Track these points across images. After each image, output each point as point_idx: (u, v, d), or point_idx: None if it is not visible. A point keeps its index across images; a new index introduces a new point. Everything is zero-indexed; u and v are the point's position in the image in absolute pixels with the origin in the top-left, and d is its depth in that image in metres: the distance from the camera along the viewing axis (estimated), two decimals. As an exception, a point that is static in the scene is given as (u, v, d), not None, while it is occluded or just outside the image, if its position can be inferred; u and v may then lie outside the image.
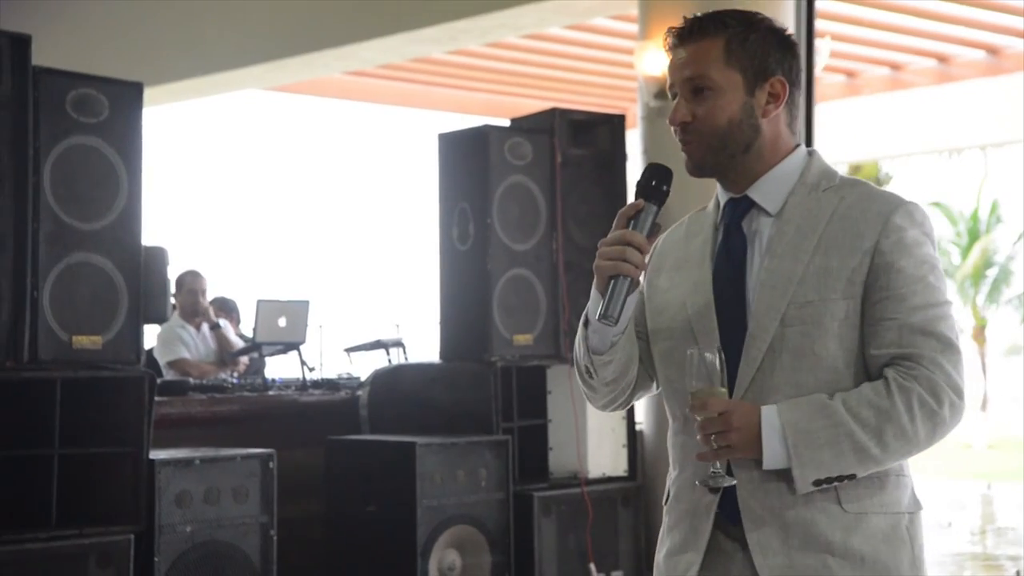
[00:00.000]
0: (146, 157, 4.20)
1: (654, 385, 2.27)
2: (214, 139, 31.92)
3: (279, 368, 7.25)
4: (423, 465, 4.78)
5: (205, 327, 7.43)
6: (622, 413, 5.44)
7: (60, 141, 4.00)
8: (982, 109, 11.52)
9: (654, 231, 2.10)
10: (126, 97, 4.17)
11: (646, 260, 2.09)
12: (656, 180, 2.10)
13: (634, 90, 6.64)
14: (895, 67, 10.96)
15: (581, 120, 5.68)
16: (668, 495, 2.23)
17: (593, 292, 2.11)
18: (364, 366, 6.46)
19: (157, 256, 4.69)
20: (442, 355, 5.48)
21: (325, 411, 5.57)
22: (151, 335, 6.97)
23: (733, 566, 2.10)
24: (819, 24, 6.59)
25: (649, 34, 6.14)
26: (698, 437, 2.05)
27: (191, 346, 7.25)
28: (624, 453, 5.53)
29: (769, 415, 2.02)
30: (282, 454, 4.44)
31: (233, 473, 4.27)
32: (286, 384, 5.93)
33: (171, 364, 7.03)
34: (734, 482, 2.06)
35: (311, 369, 6.28)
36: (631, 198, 2.14)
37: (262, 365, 7.29)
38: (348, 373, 6.38)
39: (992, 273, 24.97)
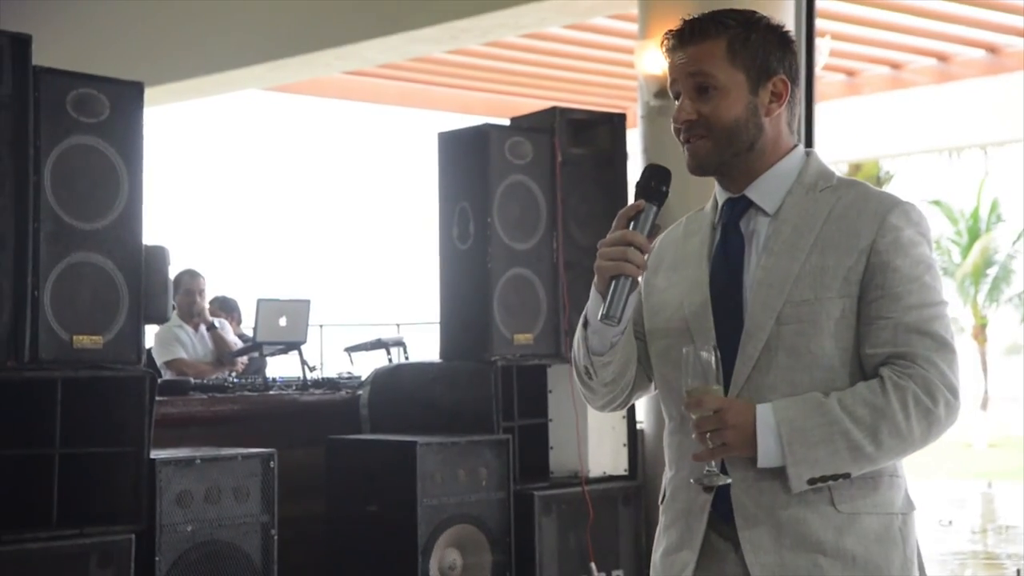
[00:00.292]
0: (147, 157, 4.20)
1: (652, 385, 2.27)
2: (215, 139, 31.95)
3: (280, 367, 7.26)
4: (424, 464, 4.78)
5: (203, 326, 7.43)
6: (623, 412, 5.44)
7: (61, 141, 4.00)
8: (982, 108, 11.52)
9: (654, 231, 2.11)
10: (127, 97, 4.17)
11: (646, 260, 2.09)
12: (655, 181, 2.11)
13: (634, 89, 6.64)
14: (895, 66, 10.96)
15: (581, 119, 5.68)
16: (664, 494, 2.24)
17: (593, 292, 2.12)
18: (365, 365, 6.46)
19: (158, 256, 4.68)
20: (442, 354, 5.48)
21: (326, 410, 5.57)
22: (149, 335, 6.97)
23: (727, 565, 2.11)
24: (819, 23, 6.58)
25: (649, 33, 6.14)
26: (693, 435, 2.05)
27: (188, 346, 7.25)
28: (625, 452, 5.53)
29: (764, 413, 2.02)
30: (283, 454, 4.44)
31: (234, 473, 4.27)
32: (287, 383, 5.93)
33: (168, 364, 7.03)
34: (729, 481, 2.06)
35: (312, 368, 6.29)
36: (631, 197, 2.15)
37: (263, 364, 7.29)
38: (349, 372, 6.38)
39: (992, 272, 24.99)
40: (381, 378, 5.66)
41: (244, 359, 7.36)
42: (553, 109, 5.59)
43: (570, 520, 5.26)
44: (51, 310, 3.93)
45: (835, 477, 2.02)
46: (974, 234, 25.27)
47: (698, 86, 2.11)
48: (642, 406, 5.81)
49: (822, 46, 7.49)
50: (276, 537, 4.33)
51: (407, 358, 6.80)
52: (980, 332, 24.92)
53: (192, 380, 5.75)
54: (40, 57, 3.98)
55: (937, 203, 25.43)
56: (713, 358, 2.04)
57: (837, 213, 2.10)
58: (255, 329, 6.39)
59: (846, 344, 2.06)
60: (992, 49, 10.38)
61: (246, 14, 9.15)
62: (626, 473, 5.52)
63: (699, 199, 2.30)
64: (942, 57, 10.64)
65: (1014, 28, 9.62)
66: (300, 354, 6.23)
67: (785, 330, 2.06)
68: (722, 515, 2.10)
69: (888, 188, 23.92)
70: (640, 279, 2.13)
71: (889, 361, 2.03)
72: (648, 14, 6.31)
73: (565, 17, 8.63)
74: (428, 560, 4.77)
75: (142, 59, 9.21)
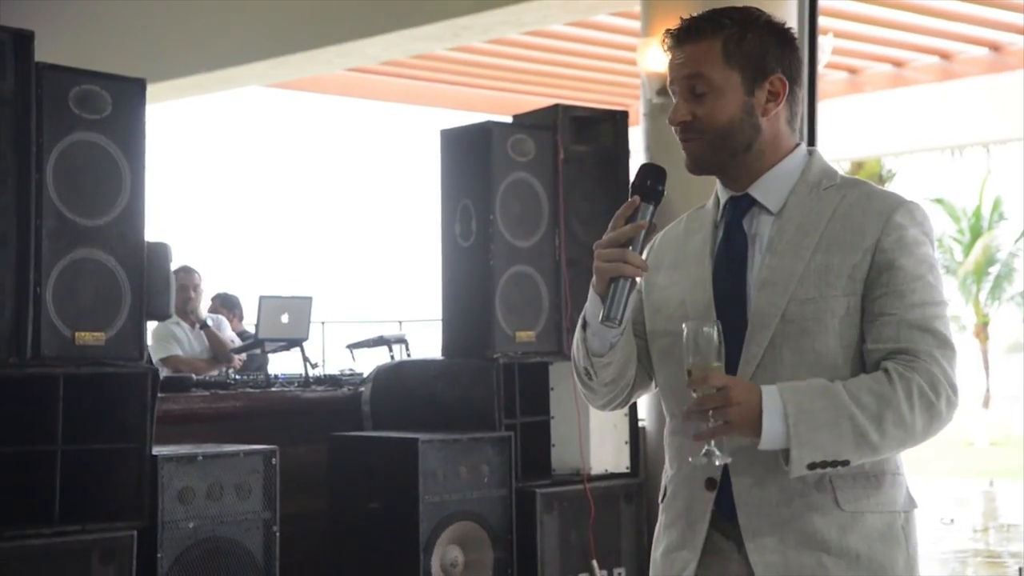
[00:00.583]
0: (149, 153, 4.20)
1: (653, 384, 2.27)
2: (217, 136, 31.94)
3: (282, 364, 7.26)
4: (426, 461, 4.78)
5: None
6: (624, 410, 5.44)
7: (63, 137, 4.00)
8: (985, 106, 11.51)
9: (650, 230, 2.10)
10: (129, 93, 4.16)
11: (646, 259, 2.09)
12: (651, 180, 2.10)
13: (637, 86, 6.64)
14: (898, 64, 10.96)
15: (584, 116, 5.68)
16: (665, 492, 2.24)
17: (591, 294, 2.11)
18: (367, 362, 6.46)
19: (160, 252, 4.68)
20: (444, 352, 5.48)
21: (328, 407, 5.57)
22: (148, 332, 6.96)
23: (730, 564, 2.11)
24: (822, 21, 6.59)
25: (652, 30, 6.14)
26: (692, 415, 2.01)
27: (185, 343, 7.24)
28: (627, 450, 5.53)
29: (770, 394, 2.00)
30: (285, 450, 4.45)
31: (236, 469, 4.27)
32: (289, 380, 5.93)
33: (164, 361, 7.02)
34: (729, 460, 2.04)
35: (314, 365, 6.29)
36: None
37: (265, 361, 7.29)
38: (351, 369, 6.39)
39: (994, 270, 24.99)
40: (383, 375, 5.67)
41: (242, 355, 7.35)
42: (556, 106, 5.59)
43: (572, 517, 5.26)
44: (53, 307, 3.93)
45: (834, 464, 2.00)
46: (976, 232, 25.26)
47: (693, 87, 2.11)
48: (644, 404, 5.81)
49: (824, 44, 7.50)
50: (278, 534, 4.33)
51: (409, 355, 6.80)
52: (982, 330, 24.91)
53: (194, 377, 5.74)
54: (42, 53, 3.98)
55: (939, 201, 25.41)
56: (716, 334, 2.00)
57: (842, 212, 2.10)
58: (257, 326, 6.39)
59: (849, 342, 2.06)
60: (995, 47, 10.38)
61: (248, 11, 9.15)
62: (628, 471, 5.52)
63: (701, 196, 2.30)
64: (944, 55, 10.64)
65: (1017, 26, 9.61)
66: (302, 351, 6.23)
67: (790, 328, 2.06)
68: (725, 514, 2.10)
69: (890, 186, 23.90)
70: (640, 279, 2.12)
71: (892, 356, 2.03)
72: (651, 11, 6.31)
73: (568, 14, 8.63)
74: (430, 557, 4.77)
75: (144, 55, 9.21)
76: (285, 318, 6.26)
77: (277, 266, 27.92)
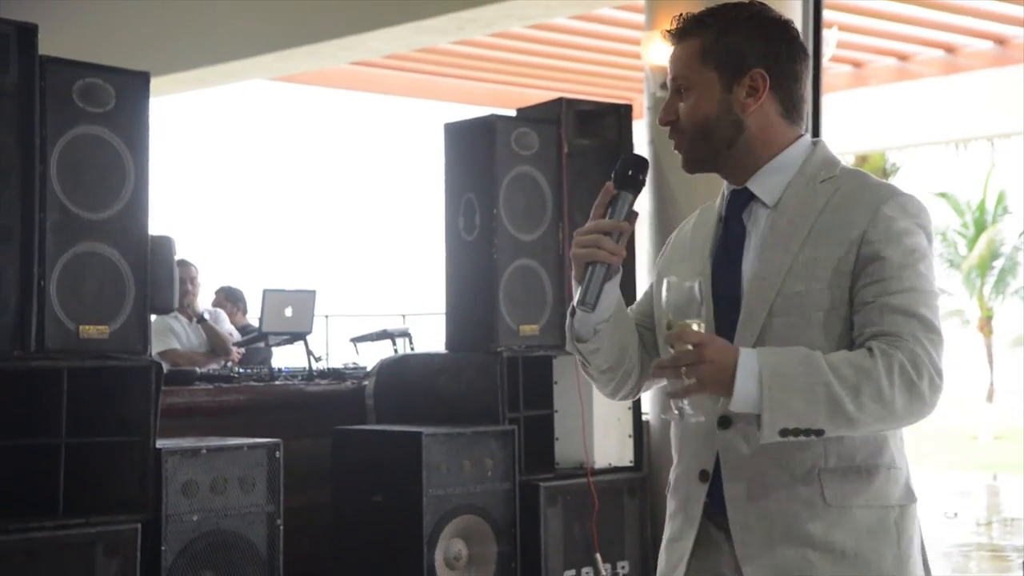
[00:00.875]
0: (153, 147, 4.20)
1: None
2: (221, 129, 31.94)
3: (285, 358, 7.26)
4: (429, 455, 4.78)
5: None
6: (628, 403, 5.44)
7: (67, 131, 4.00)
8: (989, 100, 11.49)
9: (630, 219, 2.13)
10: (133, 87, 4.16)
11: (623, 247, 2.10)
12: (632, 169, 2.14)
13: (641, 80, 6.63)
14: (902, 57, 10.94)
15: (588, 110, 5.68)
16: (670, 484, 2.25)
17: (574, 282, 2.13)
18: (370, 356, 6.46)
19: (164, 246, 4.69)
20: (448, 345, 5.48)
21: (331, 401, 5.58)
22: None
23: (722, 556, 2.12)
24: (826, 14, 6.57)
25: (656, 24, 6.13)
26: (665, 371, 2.02)
27: (183, 336, 7.23)
28: (630, 443, 5.53)
29: (747, 356, 1.98)
30: (288, 444, 4.45)
31: (240, 463, 4.28)
32: (292, 374, 5.94)
33: (161, 355, 6.99)
34: (702, 418, 2.04)
35: (317, 359, 6.29)
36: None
37: (268, 355, 7.29)
38: (354, 363, 6.39)
39: (999, 264, 24.91)
40: (387, 369, 5.67)
41: (241, 349, 7.34)
42: (559, 100, 5.59)
43: (575, 511, 5.26)
44: (57, 300, 3.94)
45: (808, 432, 1.96)
46: (980, 226, 25.19)
47: (677, 87, 2.16)
48: (648, 398, 5.80)
49: (829, 37, 7.48)
50: (282, 527, 4.34)
51: (413, 349, 6.81)
52: (986, 324, 24.86)
53: (198, 370, 5.75)
54: (46, 47, 3.98)
55: (943, 195, 25.35)
56: (697, 290, 2.00)
57: (833, 204, 2.10)
58: (261, 319, 6.39)
59: (836, 335, 2.05)
60: (1000, 40, 10.36)
61: (252, 4, 9.14)
62: (631, 464, 5.52)
63: (705, 189, 2.32)
64: (949, 48, 10.62)
65: (1021, 20, 9.59)
66: (306, 344, 6.24)
67: (777, 322, 2.07)
68: (718, 506, 2.11)
69: (894, 180, 23.86)
70: (651, 267, 2.15)
71: (876, 337, 2.00)
72: (655, 5, 6.30)
73: (571, 8, 8.62)
74: (433, 550, 4.78)
75: (148, 49, 9.21)
76: (289, 312, 6.27)
77: (281, 260, 27.93)
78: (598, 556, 5.27)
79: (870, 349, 1.99)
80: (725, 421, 2.09)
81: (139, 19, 9.59)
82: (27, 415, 4.00)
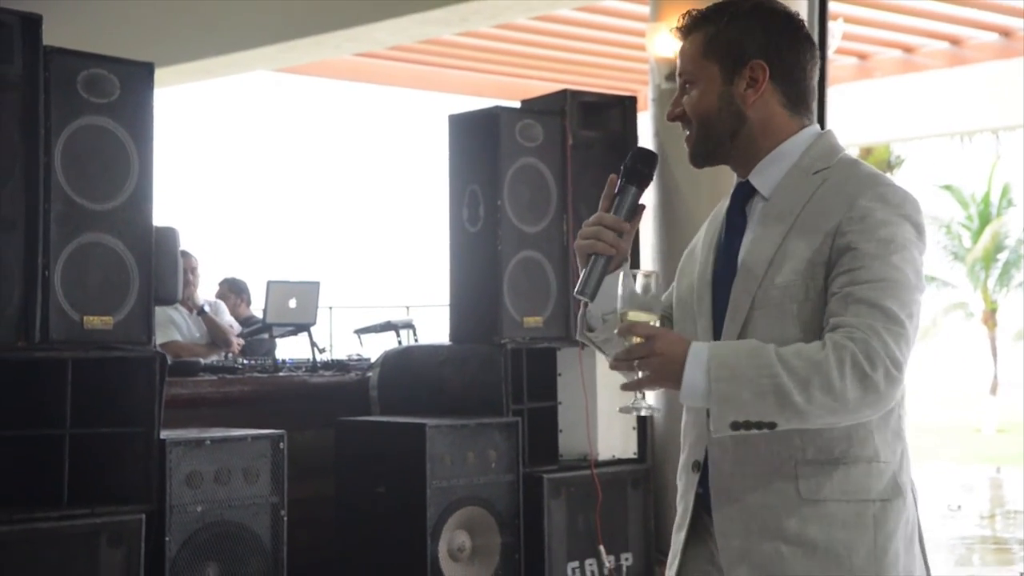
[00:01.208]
0: (157, 138, 4.20)
1: None
2: (225, 120, 31.93)
3: (289, 349, 7.26)
4: (433, 446, 4.79)
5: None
6: (630, 396, 5.43)
7: (71, 121, 4.00)
8: (994, 92, 11.47)
9: (637, 212, 2.18)
10: (137, 77, 4.16)
11: (625, 241, 2.16)
12: (640, 164, 2.19)
13: (645, 72, 6.62)
14: (907, 49, 10.92)
15: (592, 102, 5.67)
16: (678, 471, 2.27)
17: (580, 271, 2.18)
18: (374, 347, 6.46)
19: (168, 237, 4.69)
20: (452, 337, 5.48)
21: (335, 392, 5.58)
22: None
23: (713, 544, 2.14)
24: (832, 6, 6.56)
25: (661, 16, 6.12)
26: (619, 364, 2.05)
27: (183, 327, 7.22)
28: (634, 435, 5.53)
29: (698, 349, 2.00)
30: (292, 435, 4.45)
31: (244, 454, 4.28)
32: (296, 365, 5.94)
33: (163, 347, 6.99)
34: (657, 411, 2.11)
35: (321, 350, 6.29)
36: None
37: (272, 346, 7.29)
38: (358, 354, 6.39)
39: (1003, 257, 24.89)
40: (391, 360, 5.67)
41: (241, 340, 7.33)
42: (564, 91, 5.57)
43: (579, 503, 5.26)
44: (62, 291, 3.94)
45: (760, 425, 1.96)
46: (985, 219, 25.16)
47: (683, 82, 2.20)
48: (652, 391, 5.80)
49: (835, 29, 7.46)
50: (285, 518, 4.34)
51: (417, 340, 6.80)
52: (990, 317, 24.84)
53: (202, 361, 5.75)
54: (50, 37, 3.98)
55: (948, 187, 25.33)
56: (652, 283, 2.03)
57: (818, 196, 2.10)
58: (265, 311, 6.39)
59: (811, 328, 2.04)
60: (1005, 32, 10.34)
61: (256, -5, 9.13)
62: (635, 456, 5.52)
63: (711, 183, 2.35)
64: (955, 40, 10.60)
65: (1027, 12, 9.56)
66: (310, 336, 6.24)
67: (757, 314, 2.08)
68: (707, 496, 2.14)
69: (899, 172, 23.85)
70: (659, 264, 2.18)
71: (836, 328, 1.99)
72: (659, -4, 6.28)
73: (576, -1, 8.61)
74: (437, 542, 4.78)
75: (152, 40, 9.21)
76: (293, 303, 6.26)
77: (285, 251, 27.95)
78: (601, 548, 5.27)
79: (824, 341, 1.98)
80: None
81: (143, 10, 9.59)
82: (31, 406, 4.00)
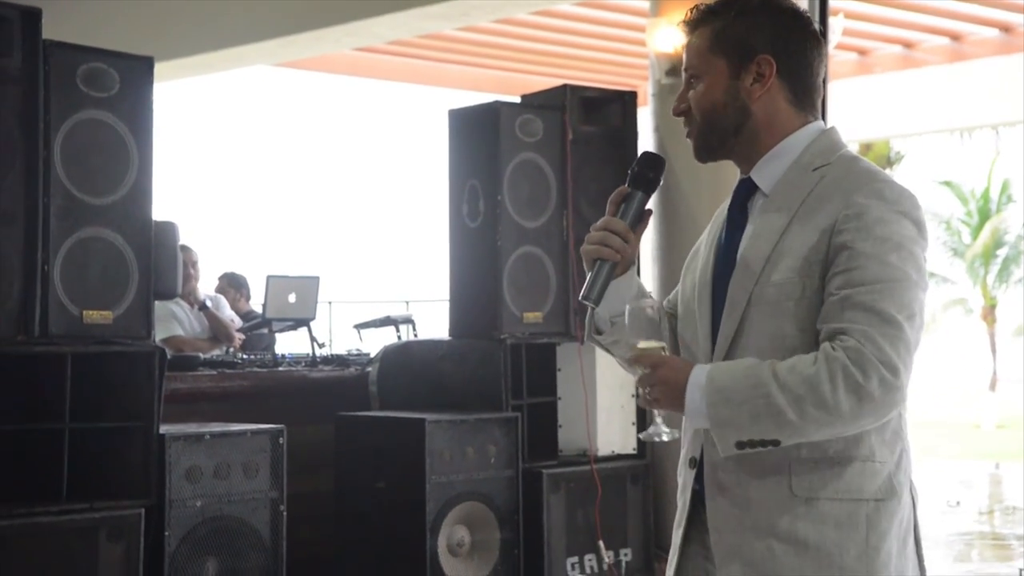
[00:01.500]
0: (156, 132, 4.20)
1: None
2: (224, 115, 31.90)
3: (289, 344, 7.26)
4: (432, 442, 4.79)
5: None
6: (631, 391, 5.44)
7: (70, 115, 3.99)
8: (995, 88, 11.47)
9: (644, 218, 2.18)
10: (137, 72, 4.16)
11: (632, 247, 2.17)
12: (646, 169, 2.18)
13: (646, 67, 6.61)
14: (907, 45, 10.91)
15: (592, 97, 5.66)
16: (678, 468, 2.27)
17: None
18: (374, 342, 6.46)
19: (167, 231, 4.68)
20: (452, 332, 5.48)
21: (335, 387, 5.58)
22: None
23: (707, 540, 2.15)
24: (832, 2, 6.55)
25: (661, 11, 6.11)
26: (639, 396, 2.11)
27: (185, 322, 7.22)
28: (633, 431, 5.52)
29: (698, 373, 2.04)
30: (292, 430, 4.45)
31: (243, 448, 4.28)
32: (296, 360, 5.94)
33: (164, 341, 6.99)
34: (676, 435, 2.13)
35: (321, 345, 6.29)
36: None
37: (272, 341, 7.29)
38: (358, 349, 6.39)
39: (1003, 253, 24.88)
40: (390, 355, 5.66)
41: (241, 335, 7.34)
42: (564, 87, 5.57)
43: (578, 498, 5.26)
44: (61, 285, 3.94)
45: (763, 443, 1.99)
46: (984, 215, 25.15)
47: (689, 77, 2.19)
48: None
49: (835, 25, 7.45)
50: (285, 513, 4.34)
51: (416, 335, 6.80)
52: (989, 313, 24.83)
53: (201, 356, 5.74)
54: (50, 31, 3.97)
55: (948, 183, 25.31)
56: (657, 315, 2.08)
57: (816, 192, 2.09)
58: (264, 305, 6.39)
59: (807, 326, 2.04)
60: (1005, 28, 10.33)
61: (256, -10, 9.12)
62: (635, 452, 5.52)
63: (710, 184, 2.35)
64: (955, 36, 10.59)
65: (1028, 7, 9.55)
66: (309, 331, 6.24)
67: (753, 311, 2.08)
68: (703, 493, 2.15)
69: (899, 168, 23.84)
70: (660, 264, 2.18)
71: (832, 336, 1.99)
72: (660, -9, 6.27)
73: (576, -6, 8.60)
74: (436, 537, 4.78)
75: (152, 34, 9.19)
76: (292, 298, 6.26)
77: (284, 246, 27.94)
78: (601, 543, 5.28)
79: (817, 354, 1.99)
80: None
81: (143, 4, 9.57)
82: (31, 400, 4.00)
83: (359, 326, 6.96)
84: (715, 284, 2.16)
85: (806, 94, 2.18)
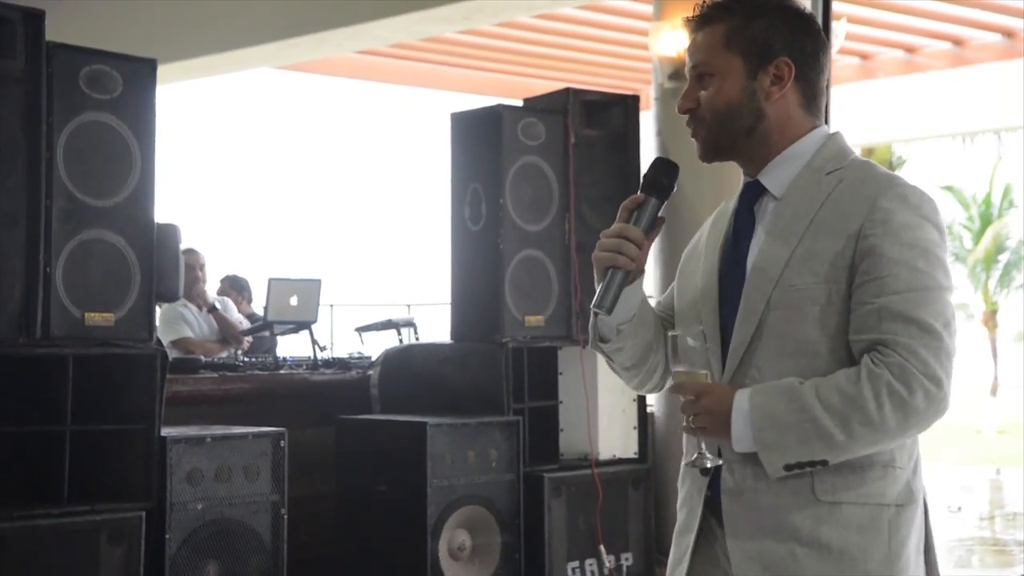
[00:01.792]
0: (159, 135, 4.20)
1: None
2: (226, 117, 31.92)
3: (290, 347, 7.25)
4: (434, 445, 4.78)
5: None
6: (633, 395, 5.44)
7: (73, 117, 3.99)
8: (996, 93, 11.48)
9: (656, 225, 2.14)
10: (139, 74, 4.15)
11: (644, 254, 2.13)
12: (660, 175, 2.14)
13: (648, 71, 6.62)
14: (910, 50, 10.92)
15: (595, 101, 5.66)
16: (680, 475, 2.26)
17: (596, 282, 2.15)
18: (375, 346, 6.46)
19: (169, 233, 4.68)
20: (453, 335, 5.47)
21: (336, 390, 5.57)
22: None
23: (719, 547, 2.13)
24: (835, 6, 6.55)
25: (664, 14, 6.12)
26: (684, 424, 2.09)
27: (195, 325, 7.23)
28: (635, 435, 5.52)
29: (740, 399, 2.03)
30: (293, 433, 4.45)
31: (244, 451, 4.28)
32: (297, 363, 5.93)
33: (174, 343, 7.01)
34: (719, 462, 2.08)
35: (322, 348, 6.29)
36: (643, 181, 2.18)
37: (273, 344, 7.29)
38: (359, 352, 6.39)
39: (1004, 258, 24.89)
40: (392, 358, 5.66)
41: (249, 338, 7.35)
42: (566, 90, 5.57)
43: (579, 502, 5.26)
44: (63, 287, 3.93)
45: (812, 464, 2.00)
46: (986, 220, 25.16)
47: (698, 75, 2.14)
48: (653, 390, 5.80)
49: (838, 29, 7.46)
50: (286, 516, 4.33)
51: (418, 339, 6.80)
52: (990, 318, 24.83)
53: (203, 359, 5.74)
54: (53, 33, 3.97)
55: (949, 188, 25.32)
56: (700, 343, 2.06)
57: (835, 197, 2.08)
58: (266, 308, 6.39)
59: (832, 331, 2.03)
60: (1008, 33, 10.34)
61: (259, -8, 9.13)
62: (636, 456, 5.51)
63: (712, 185, 2.33)
64: (957, 41, 10.60)
65: (1030, 13, 9.56)
66: (311, 334, 6.23)
67: (773, 316, 2.06)
68: (716, 498, 2.12)
69: (900, 173, 23.81)
70: (660, 271, 2.16)
71: (871, 348, 1.99)
72: (662, -5, 6.27)
73: (578, -3, 8.60)
74: (437, 541, 4.78)
75: (155, 36, 9.21)
76: (294, 300, 6.26)
77: (286, 248, 27.94)
78: (602, 548, 5.27)
79: (859, 369, 1.98)
80: None
81: (146, 6, 9.58)
82: (32, 402, 3.99)
83: (360, 329, 6.96)
84: (722, 288, 2.14)
85: (815, 98, 2.17)
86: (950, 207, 25.21)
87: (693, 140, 2.16)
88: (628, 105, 5.71)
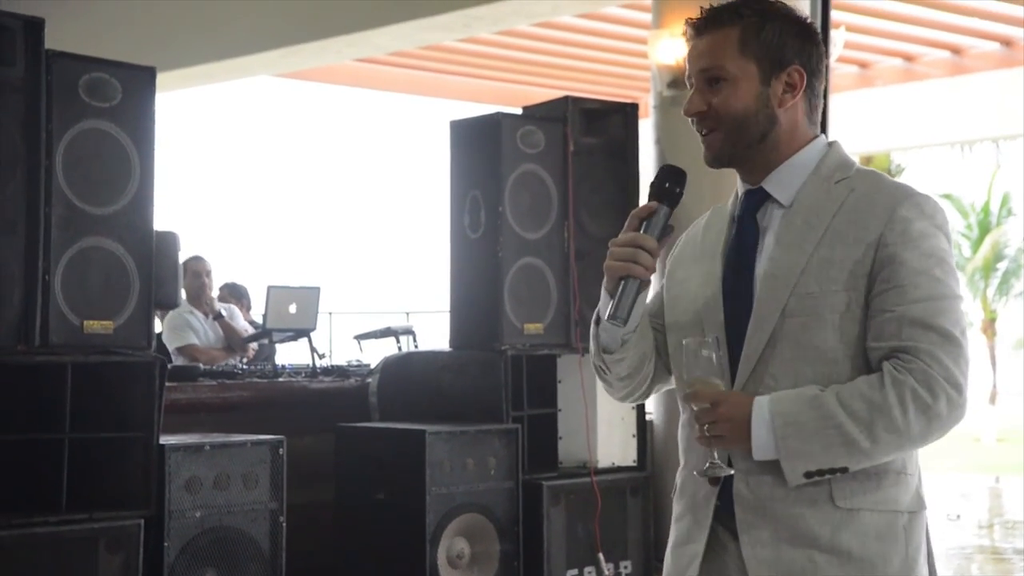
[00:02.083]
0: (158, 142, 4.20)
1: (671, 378, 2.26)
2: (226, 125, 31.94)
3: (289, 355, 7.26)
4: (432, 453, 4.78)
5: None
6: (632, 404, 5.43)
7: (72, 125, 3.99)
8: (995, 101, 11.49)
9: (667, 233, 2.11)
10: (139, 82, 4.16)
11: (656, 263, 2.11)
12: (670, 182, 2.11)
13: (647, 79, 6.63)
14: (908, 58, 10.94)
15: (594, 109, 5.66)
16: (676, 486, 2.23)
17: (603, 292, 2.13)
18: (374, 353, 6.46)
19: (168, 241, 4.68)
20: (452, 343, 5.47)
21: (335, 398, 5.57)
22: (157, 321, 6.94)
23: (729, 558, 2.11)
24: (833, 14, 6.56)
25: (663, 22, 6.13)
26: (695, 428, 2.06)
27: (200, 332, 7.24)
28: (634, 443, 5.52)
29: (760, 406, 2.01)
30: (292, 441, 4.44)
31: (243, 459, 4.27)
32: (296, 371, 5.93)
33: (180, 350, 7.03)
34: (731, 472, 2.06)
35: (321, 356, 6.29)
36: (643, 188, 2.17)
37: (272, 352, 7.29)
38: (358, 360, 6.39)
39: (1002, 266, 24.91)
40: (391, 366, 5.66)
41: (254, 345, 7.35)
42: (565, 98, 5.58)
43: (578, 510, 5.25)
44: (62, 295, 3.93)
45: (832, 471, 1.99)
46: (984, 228, 25.19)
47: (709, 78, 2.10)
48: (652, 397, 5.80)
49: (836, 37, 7.47)
50: (284, 524, 4.33)
51: (417, 346, 6.81)
52: (989, 326, 24.84)
53: (201, 366, 5.74)
54: (52, 41, 3.98)
55: (948, 197, 25.33)
56: (714, 351, 2.04)
57: (849, 205, 2.08)
58: (265, 316, 6.39)
59: (850, 338, 2.03)
60: (1006, 42, 10.35)
61: (258, 1, 9.14)
62: (635, 464, 5.51)
63: (713, 193, 2.31)
64: (956, 50, 10.61)
65: (1028, 21, 9.58)
66: (310, 341, 6.24)
67: (789, 323, 2.05)
68: (726, 508, 2.10)
69: (900, 181, 23.85)
70: (654, 279, 2.14)
71: (892, 355, 1.99)
72: (661, 4, 6.30)
73: (578, 6, 8.62)
74: (436, 549, 4.77)
75: (154, 44, 9.21)
76: (293, 308, 6.27)
77: (285, 256, 27.95)
78: (601, 556, 5.27)
79: (882, 375, 1.98)
80: None
81: (145, 14, 9.60)
82: (31, 410, 3.99)
83: (359, 337, 6.96)
84: (727, 296, 2.13)
85: (816, 108, 2.17)
86: (949, 215, 25.18)
87: (703, 145, 2.14)
88: (627, 113, 5.71)
